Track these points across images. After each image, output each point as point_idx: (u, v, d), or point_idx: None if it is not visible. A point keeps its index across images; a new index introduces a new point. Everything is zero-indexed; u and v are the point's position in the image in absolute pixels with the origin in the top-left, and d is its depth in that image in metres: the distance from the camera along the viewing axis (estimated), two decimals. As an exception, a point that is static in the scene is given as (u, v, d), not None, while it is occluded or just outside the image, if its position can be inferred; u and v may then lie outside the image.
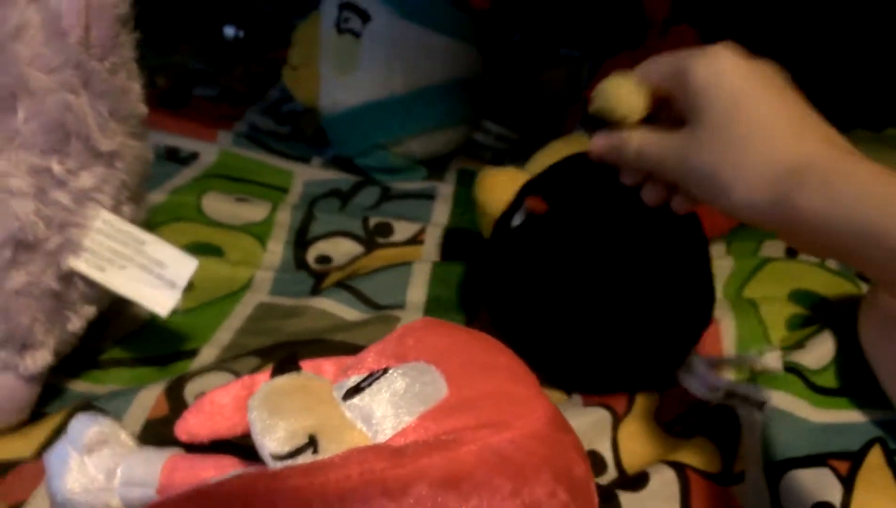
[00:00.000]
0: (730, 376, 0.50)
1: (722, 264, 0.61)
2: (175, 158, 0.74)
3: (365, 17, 0.72)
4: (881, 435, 0.46)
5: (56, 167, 0.40)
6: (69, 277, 0.43)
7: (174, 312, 0.46)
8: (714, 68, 0.32)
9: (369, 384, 0.31)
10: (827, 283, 0.59)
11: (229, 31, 1.05)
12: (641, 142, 0.34)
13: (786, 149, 0.30)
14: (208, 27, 1.05)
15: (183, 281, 0.45)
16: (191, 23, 1.05)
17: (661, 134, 0.34)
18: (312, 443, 0.29)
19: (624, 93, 0.34)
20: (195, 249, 0.60)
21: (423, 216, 0.68)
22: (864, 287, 0.58)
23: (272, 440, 0.30)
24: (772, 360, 0.50)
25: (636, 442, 0.45)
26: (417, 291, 0.58)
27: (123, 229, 0.45)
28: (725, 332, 0.53)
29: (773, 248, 0.63)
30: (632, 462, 0.45)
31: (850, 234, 0.27)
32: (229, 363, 0.49)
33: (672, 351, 0.48)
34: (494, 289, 0.51)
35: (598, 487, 0.41)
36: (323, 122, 0.75)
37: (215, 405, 0.37)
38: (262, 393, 0.31)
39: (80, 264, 0.43)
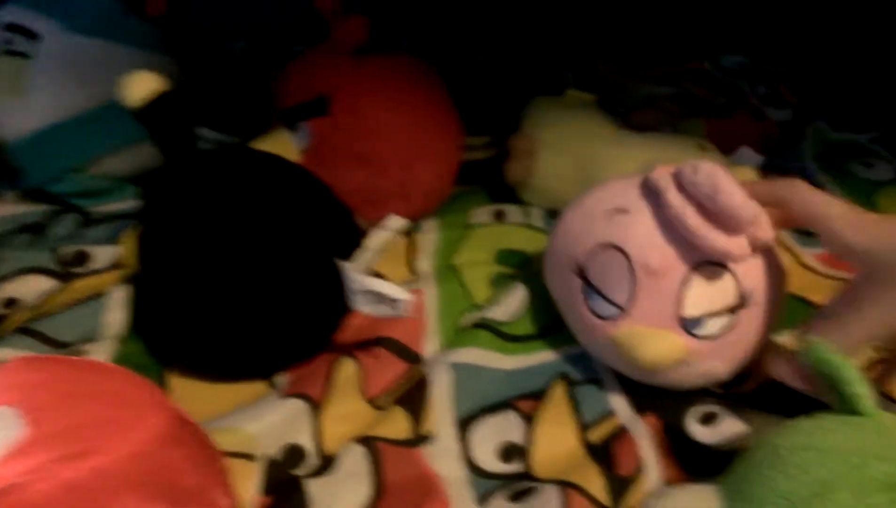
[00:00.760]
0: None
1: (432, 237, 0.63)
2: None
3: (33, 37, 0.66)
4: (565, 370, 0.49)
5: None
6: None
7: None
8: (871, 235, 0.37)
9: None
10: (530, 240, 0.63)
11: None
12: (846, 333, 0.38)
13: None
14: None
15: None
16: None
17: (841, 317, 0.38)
18: None
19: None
20: None
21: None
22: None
23: None
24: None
25: (339, 426, 0.45)
26: (114, 319, 0.54)
27: None
28: (429, 301, 0.55)
29: (481, 215, 0.66)
30: (335, 447, 0.44)
31: None
32: None
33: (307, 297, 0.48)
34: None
35: (286, 480, 0.40)
36: (7, 151, 0.68)
37: None
38: None
39: None
